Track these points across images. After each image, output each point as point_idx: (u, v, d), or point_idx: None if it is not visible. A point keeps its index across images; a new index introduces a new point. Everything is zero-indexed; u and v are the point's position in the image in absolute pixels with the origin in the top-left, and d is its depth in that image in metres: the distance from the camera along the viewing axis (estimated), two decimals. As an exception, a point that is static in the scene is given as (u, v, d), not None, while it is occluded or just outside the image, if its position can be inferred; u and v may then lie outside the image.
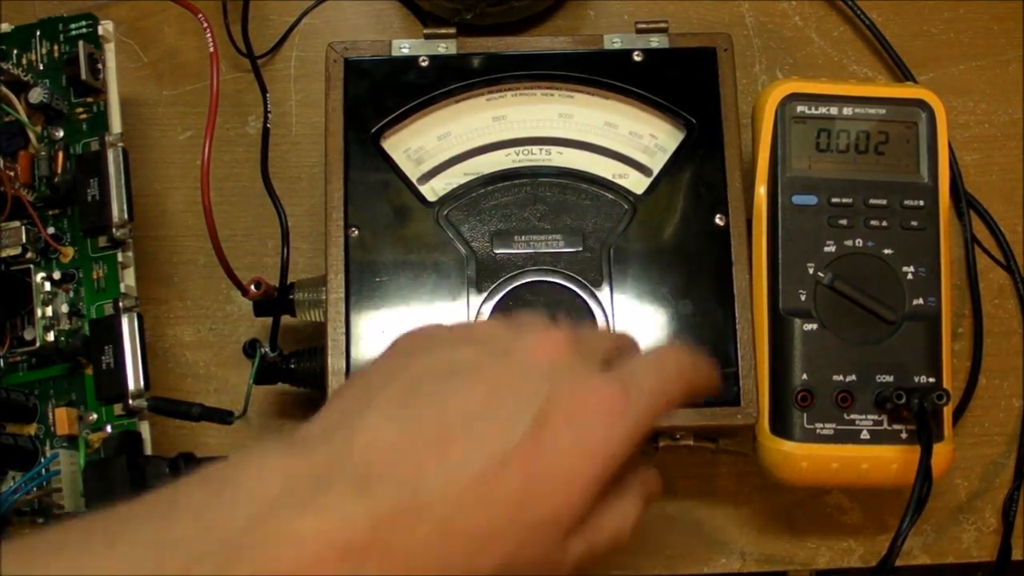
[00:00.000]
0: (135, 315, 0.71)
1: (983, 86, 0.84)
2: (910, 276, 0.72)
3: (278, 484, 0.45)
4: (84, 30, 0.76)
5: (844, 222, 0.72)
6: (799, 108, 0.74)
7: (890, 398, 0.70)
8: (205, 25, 0.73)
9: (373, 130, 0.73)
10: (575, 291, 0.71)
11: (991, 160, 0.83)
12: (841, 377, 0.71)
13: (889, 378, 0.71)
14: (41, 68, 0.76)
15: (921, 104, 0.74)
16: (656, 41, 0.75)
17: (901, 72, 0.83)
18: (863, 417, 0.71)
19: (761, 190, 0.73)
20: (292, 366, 0.73)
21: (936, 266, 0.73)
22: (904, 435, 0.71)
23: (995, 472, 0.79)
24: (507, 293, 0.71)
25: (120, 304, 0.71)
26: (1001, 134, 0.83)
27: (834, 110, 0.74)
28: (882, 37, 0.83)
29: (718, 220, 0.72)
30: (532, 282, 0.71)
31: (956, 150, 0.81)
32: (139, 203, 0.75)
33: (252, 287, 0.72)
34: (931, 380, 0.71)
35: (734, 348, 0.70)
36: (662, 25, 0.75)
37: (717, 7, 0.84)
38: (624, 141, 0.74)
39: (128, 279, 0.72)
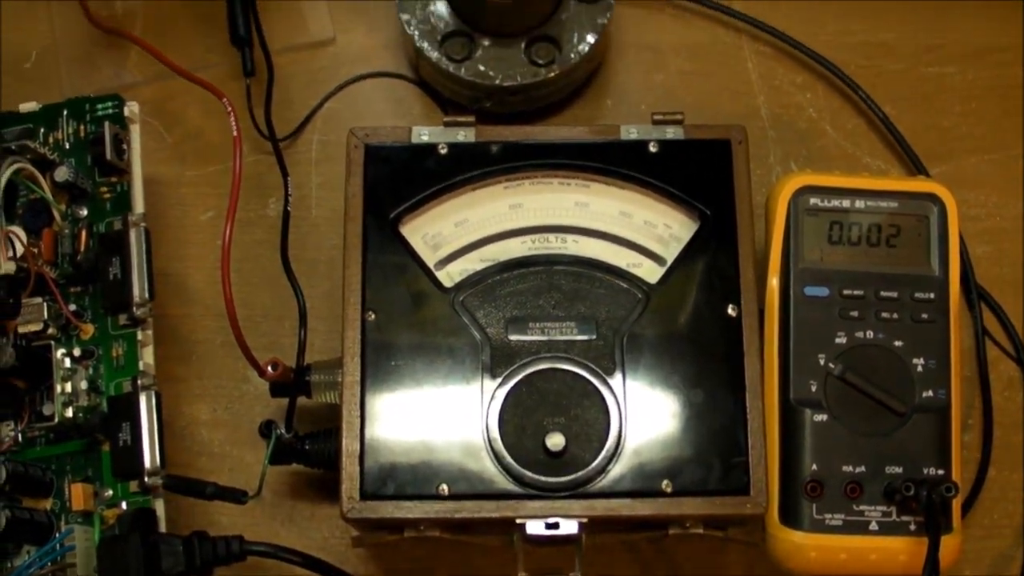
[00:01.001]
0: (153, 393, 0.71)
1: (994, 179, 0.85)
2: (920, 368, 0.73)
3: None
4: (110, 111, 0.77)
5: (855, 314, 0.73)
6: (812, 200, 0.74)
7: (899, 489, 0.70)
8: (229, 109, 0.75)
9: (392, 215, 0.74)
10: (587, 379, 0.71)
11: (1002, 252, 0.84)
12: (850, 468, 0.72)
13: (898, 469, 0.72)
14: (67, 147, 0.77)
15: (932, 198, 0.75)
16: (672, 132, 0.76)
17: (913, 165, 0.84)
18: (872, 508, 0.71)
19: (773, 281, 0.74)
20: (307, 447, 0.73)
21: (946, 359, 0.73)
22: (913, 527, 0.71)
23: (1004, 565, 0.79)
24: (521, 380, 0.71)
25: (139, 382, 0.71)
26: (1011, 227, 0.84)
27: (846, 203, 0.75)
28: (895, 130, 0.84)
29: (730, 310, 0.73)
30: (545, 369, 0.72)
31: (968, 242, 0.82)
32: (159, 281, 0.76)
33: (269, 368, 0.72)
34: (940, 472, 0.72)
35: (744, 437, 0.71)
36: (678, 117, 0.76)
37: (733, 99, 0.86)
38: (639, 230, 0.75)
39: (147, 357, 0.73)
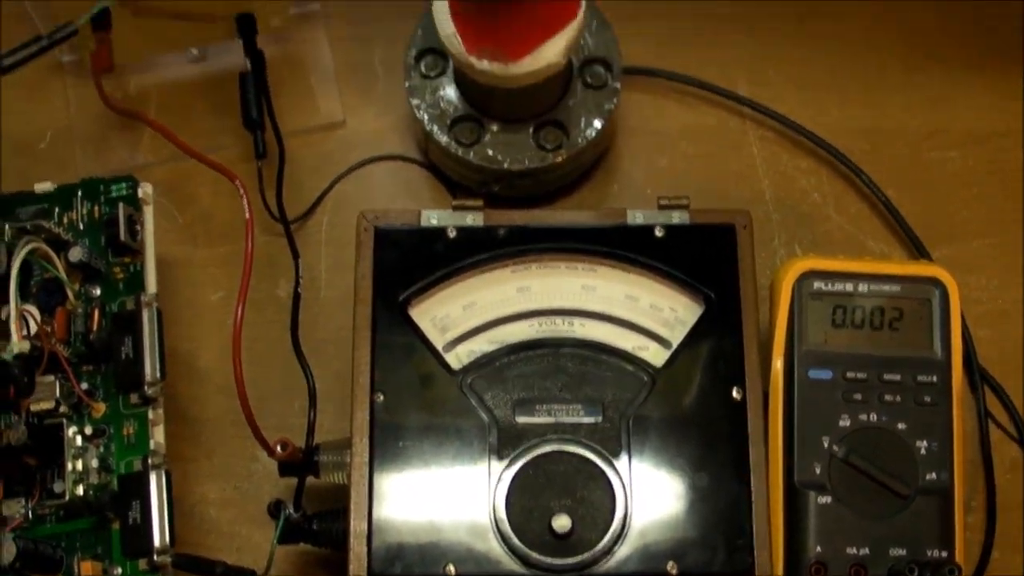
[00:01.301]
0: (163, 472, 0.72)
1: (996, 263, 0.86)
2: (923, 451, 0.73)
3: None
4: (124, 192, 0.78)
5: (859, 397, 0.74)
6: (816, 284, 0.75)
7: (903, 572, 0.71)
8: (242, 192, 0.76)
9: (401, 298, 0.75)
10: (594, 461, 0.72)
11: (1004, 335, 0.84)
12: (855, 550, 0.72)
13: (902, 551, 0.72)
14: (81, 227, 0.78)
15: (934, 282, 0.76)
16: (677, 217, 0.77)
17: (916, 248, 0.85)
18: (877, 590, 0.72)
19: (778, 364, 0.75)
20: (315, 527, 0.74)
21: (948, 441, 0.74)
22: (917, 609, 0.72)
23: (1007, 647, 0.79)
24: (527, 462, 0.72)
25: (149, 461, 0.72)
26: (1013, 309, 0.85)
27: (850, 287, 0.76)
28: (898, 214, 0.85)
29: (735, 393, 0.73)
30: (552, 451, 0.72)
31: (970, 325, 0.82)
32: (170, 360, 0.76)
33: (278, 448, 0.73)
34: (944, 554, 0.72)
35: (749, 519, 0.71)
36: (683, 202, 0.77)
37: (738, 183, 0.87)
38: (645, 314, 0.76)
39: (158, 436, 0.74)
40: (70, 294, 0.76)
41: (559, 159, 0.81)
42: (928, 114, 0.90)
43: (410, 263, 0.76)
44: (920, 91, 0.90)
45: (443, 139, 0.82)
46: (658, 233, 0.76)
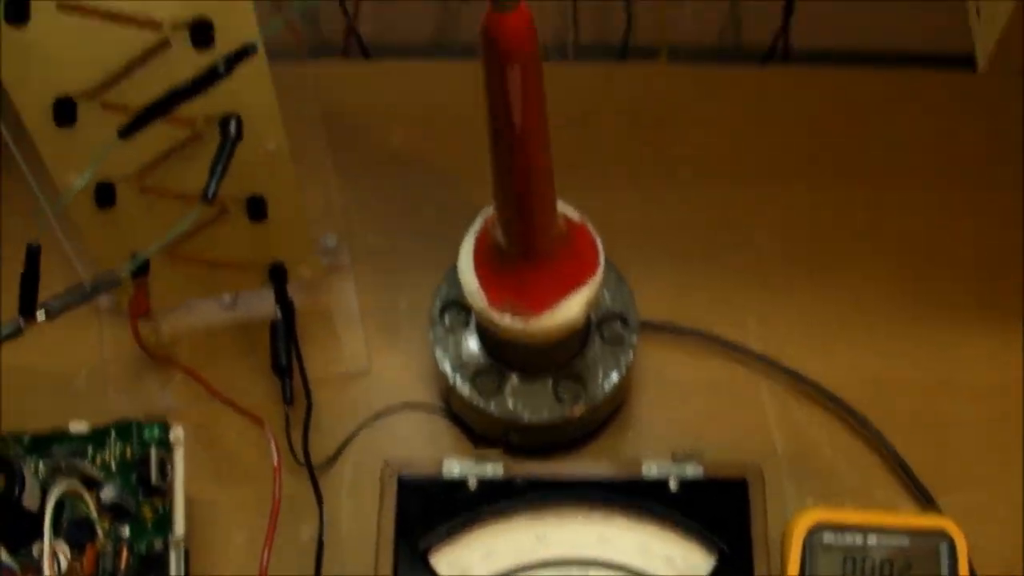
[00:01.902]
0: None
1: (1003, 511, 0.87)
2: None
3: None
4: (156, 435, 0.80)
5: (869, 650, 0.75)
6: (826, 537, 0.77)
7: None
8: (270, 437, 0.78)
9: (422, 546, 0.77)
10: None
11: (1012, 582, 0.86)
12: None
13: None
14: (113, 468, 0.80)
15: (942, 535, 0.78)
16: (691, 470, 0.79)
17: (923, 498, 0.86)
18: None
19: (789, 615, 0.76)
20: None
21: None
22: None
23: None
24: None
25: None
26: (1014, 557, 0.85)
27: (859, 539, 0.77)
28: (906, 466, 0.87)
29: (746, 645, 0.75)
30: None
31: (977, 573, 0.83)
32: (194, 600, 0.78)
33: None
34: None
35: None
36: (696, 455, 0.80)
37: (750, 435, 0.89)
38: (659, 564, 0.77)
39: (180, 677, 0.75)
40: (100, 533, 0.78)
41: (577, 412, 0.83)
42: (933, 364, 0.92)
43: (432, 511, 0.78)
44: (925, 341, 0.92)
45: (465, 391, 0.83)
46: (672, 487, 0.79)
